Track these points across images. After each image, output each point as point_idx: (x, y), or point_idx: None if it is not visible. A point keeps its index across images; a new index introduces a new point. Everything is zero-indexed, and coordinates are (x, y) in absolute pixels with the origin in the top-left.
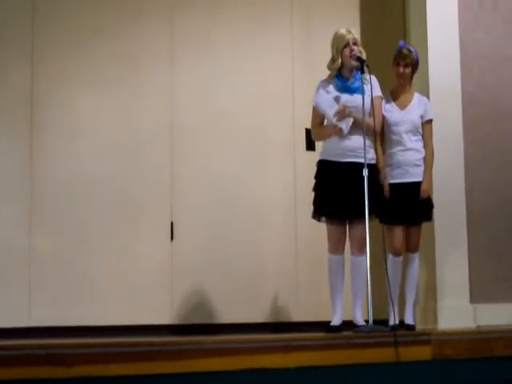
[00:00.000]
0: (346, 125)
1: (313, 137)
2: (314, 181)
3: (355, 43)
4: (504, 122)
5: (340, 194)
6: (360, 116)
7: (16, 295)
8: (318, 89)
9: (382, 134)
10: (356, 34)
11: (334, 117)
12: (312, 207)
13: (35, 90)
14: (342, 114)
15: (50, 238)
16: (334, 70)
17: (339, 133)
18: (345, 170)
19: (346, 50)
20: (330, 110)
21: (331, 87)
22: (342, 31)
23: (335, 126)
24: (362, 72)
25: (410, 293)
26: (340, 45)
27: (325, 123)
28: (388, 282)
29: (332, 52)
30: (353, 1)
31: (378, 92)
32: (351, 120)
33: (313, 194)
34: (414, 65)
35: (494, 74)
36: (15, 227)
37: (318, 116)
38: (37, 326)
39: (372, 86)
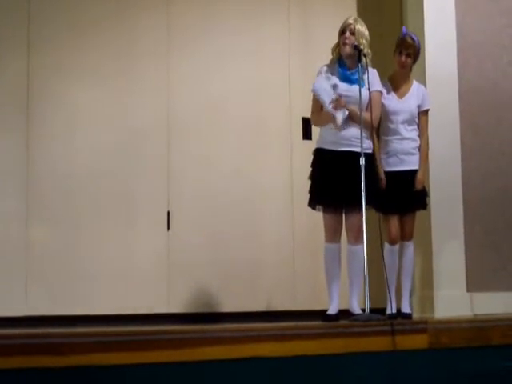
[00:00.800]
0: (342, 116)
1: (312, 122)
2: (310, 170)
3: (353, 33)
4: (501, 110)
5: (335, 182)
6: (356, 109)
7: (13, 284)
8: (318, 73)
9: (378, 122)
10: (361, 26)
11: (329, 104)
12: (308, 195)
13: (31, 83)
14: (337, 104)
15: (46, 227)
16: (333, 53)
17: (335, 124)
18: (340, 159)
19: (342, 37)
20: (326, 96)
21: (332, 73)
22: (347, 18)
23: (332, 116)
24: (359, 61)
25: (406, 281)
26: (340, 29)
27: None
28: (385, 271)
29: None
30: None
31: (377, 86)
32: (346, 112)
33: (309, 182)
34: (416, 54)
35: (491, 63)
36: (12, 218)
37: (318, 101)
38: (34, 315)
39: (370, 80)
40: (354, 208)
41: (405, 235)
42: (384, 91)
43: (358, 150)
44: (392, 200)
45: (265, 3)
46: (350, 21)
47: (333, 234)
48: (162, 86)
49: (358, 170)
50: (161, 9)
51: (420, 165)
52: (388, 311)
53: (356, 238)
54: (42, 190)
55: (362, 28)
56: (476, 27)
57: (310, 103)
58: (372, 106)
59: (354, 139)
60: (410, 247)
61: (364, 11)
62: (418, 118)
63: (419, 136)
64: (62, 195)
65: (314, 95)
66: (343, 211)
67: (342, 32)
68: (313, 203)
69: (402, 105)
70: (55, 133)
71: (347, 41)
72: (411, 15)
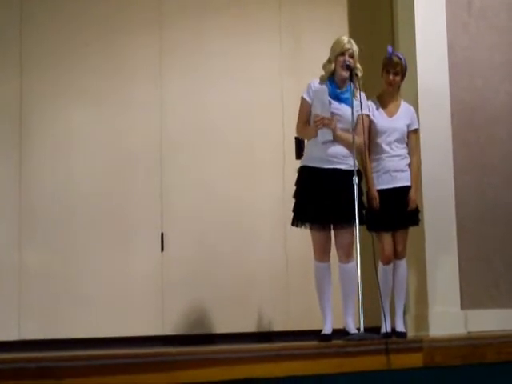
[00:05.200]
0: (324, 137)
1: (296, 132)
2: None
3: (352, 56)
4: (493, 127)
5: (323, 199)
6: (346, 135)
7: (6, 308)
8: (308, 87)
9: (368, 141)
10: (356, 48)
11: (318, 115)
12: (292, 214)
13: (24, 103)
14: (327, 123)
15: (40, 250)
16: (328, 72)
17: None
18: (328, 176)
19: (341, 58)
20: (320, 107)
21: (323, 89)
22: (344, 38)
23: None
24: (351, 81)
25: (400, 300)
26: (337, 50)
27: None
28: (379, 291)
29: (330, 54)
30: (341, 11)
31: (365, 110)
32: (330, 137)
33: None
34: (404, 72)
35: (482, 80)
36: (5, 241)
37: (305, 112)
38: (27, 340)
39: (361, 102)
40: (342, 225)
41: (397, 253)
42: (373, 109)
43: (343, 167)
44: (384, 218)
45: (256, 23)
46: (348, 45)
47: (322, 252)
48: (155, 108)
49: (345, 188)
50: (153, 29)
51: (412, 184)
52: (383, 330)
53: (347, 255)
54: (35, 211)
55: (356, 50)
56: (467, 45)
57: None
58: (359, 129)
59: (340, 157)
60: (402, 266)
61: (355, 29)
62: (408, 138)
63: (409, 154)
64: (55, 217)
65: (301, 104)
66: (331, 229)
67: (341, 54)
68: (297, 221)
69: (392, 123)
70: (48, 154)
71: (348, 63)
72: (403, 34)
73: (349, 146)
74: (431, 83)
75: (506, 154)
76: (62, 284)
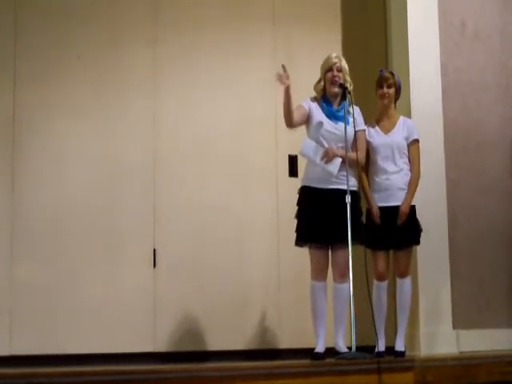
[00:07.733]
0: (334, 166)
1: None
2: (296, 207)
3: (340, 70)
4: (485, 148)
5: (323, 219)
6: (344, 153)
7: None
8: (309, 103)
9: (366, 159)
10: (345, 63)
11: (320, 161)
12: (295, 234)
13: (17, 119)
14: (328, 157)
15: (31, 265)
16: (318, 91)
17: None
18: (328, 197)
19: (329, 74)
20: (314, 154)
21: (317, 107)
22: (331, 55)
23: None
24: (344, 99)
25: (402, 318)
26: (325, 66)
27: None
28: (371, 308)
29: (320, 73)
30: (335, 28)
31: (361, 125)
32: (339, 160)
33: (295, 220)
34: (397, 87)
35: (474, 101)
36: None
37: (299, 108)
38: (18, 355)
39: (355, 118)
40: (341, 245)
41: (398, 272)
42: (369, 129)
43: (344, 187)
44: (381, 235)
45: (250, 39)
46: (335, 59)
47: (319, 272)
48: (149, 122)
49: (343, 207)
50: (147, 44)
51: (405, 197)
52: (376, 349)
53: (342, 275)
54: (27, 226)
55: (345, 65)
56: (460, 66)
57: (296, 140)
58: (358, 145)
59: (341, 177)
60: (404, 284)
61: (349, 47)
62: (408, 150)
63: (410, 170)
64: (48, 232)
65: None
66: (329, 248)
67: (329, 70)
68: (300, 242)
69: (387, 139)
70: (41, 169)
71: (336, 79)
72: (396, 56)
73: (353, 163)
74: (424, 104)
75: (499, 174)
76: (53, 300)
